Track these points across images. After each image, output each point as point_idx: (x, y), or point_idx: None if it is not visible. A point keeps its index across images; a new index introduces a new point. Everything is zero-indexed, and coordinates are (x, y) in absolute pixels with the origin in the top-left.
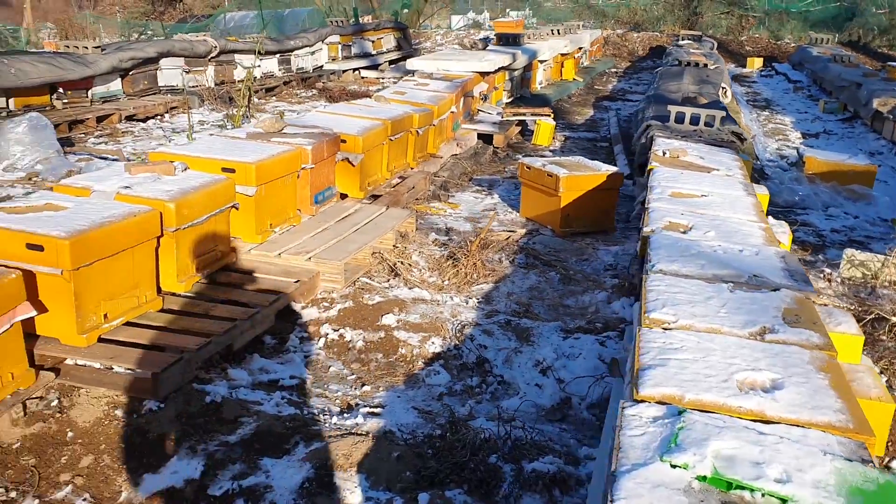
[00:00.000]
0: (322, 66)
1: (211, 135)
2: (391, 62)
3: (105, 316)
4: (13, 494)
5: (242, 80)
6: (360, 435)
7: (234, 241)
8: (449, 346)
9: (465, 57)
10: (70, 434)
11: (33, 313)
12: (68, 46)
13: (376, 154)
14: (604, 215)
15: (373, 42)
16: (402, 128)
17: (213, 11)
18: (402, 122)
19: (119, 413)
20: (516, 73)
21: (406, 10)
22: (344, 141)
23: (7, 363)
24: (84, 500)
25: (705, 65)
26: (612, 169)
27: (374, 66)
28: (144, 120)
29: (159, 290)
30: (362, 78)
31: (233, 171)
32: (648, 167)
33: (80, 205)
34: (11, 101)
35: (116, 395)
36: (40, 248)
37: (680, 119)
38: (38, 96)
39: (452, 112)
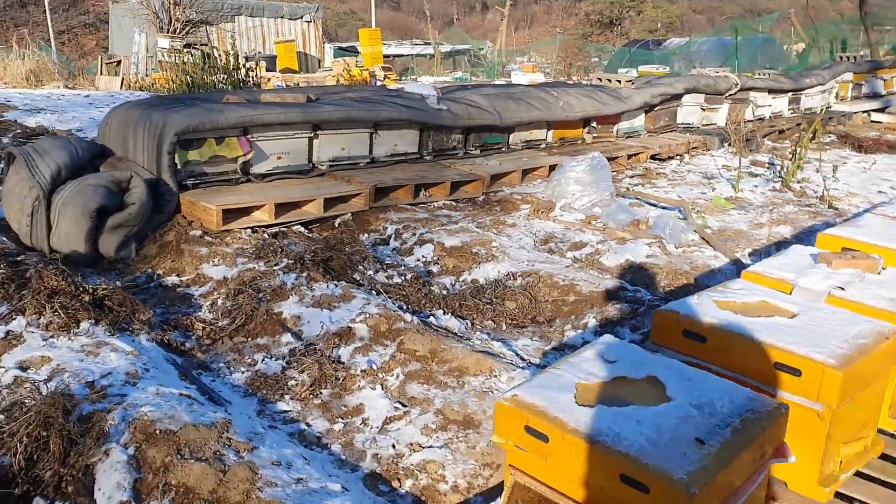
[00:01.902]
0: (830, 107)
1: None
2: None
3: (840, 463)
4: None
5: (755, 121)
6: None
7: None
8: None
9: None
10: None
11: (792, 458)
12: (601, 79)
13: None
14: None
15: (884, 81)
16: None
17: (652, 36)
18: None
19: None
20: None
21: None
22: None
23: None
24: None
25: None
26: None
27: (882, 109)
28: (665, 159)
29: None
30: (872, 121)
31: None
32: None
33: (806, 310)
34: (550, 133)
35: None
36: (796, 373)
37: None
38: (573, 129)
39: None
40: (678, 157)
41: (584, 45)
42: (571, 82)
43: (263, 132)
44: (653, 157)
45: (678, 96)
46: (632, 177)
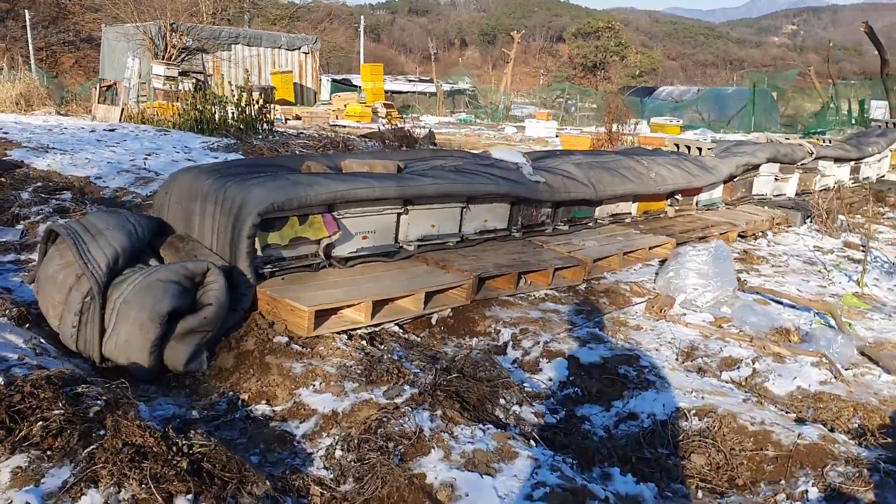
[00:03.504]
0: (883, 176)
1: None
2: None
3: None
4: None
5: (826, 190)
6: None
7: None
8: None
9: None
10: None
11: None
12: (677, 146)
13: None
14: None
15: None
16: None
17: (634, 82)
18: None
19: None
20: None
21: None
22: None
23: None
24: None
25: None
26: None
27: None
28: (746, 237)
29: None
30: None
31: None
32: None
33: None
34: (635, 205)
35: None
36: None
37: None
38: (657, 202)
39: None
40: (762, 234)
41: (632, 102)
42: (650, 148)
43: (349, 208)
44: (739, 236)
45: (757, 166)
46: None
